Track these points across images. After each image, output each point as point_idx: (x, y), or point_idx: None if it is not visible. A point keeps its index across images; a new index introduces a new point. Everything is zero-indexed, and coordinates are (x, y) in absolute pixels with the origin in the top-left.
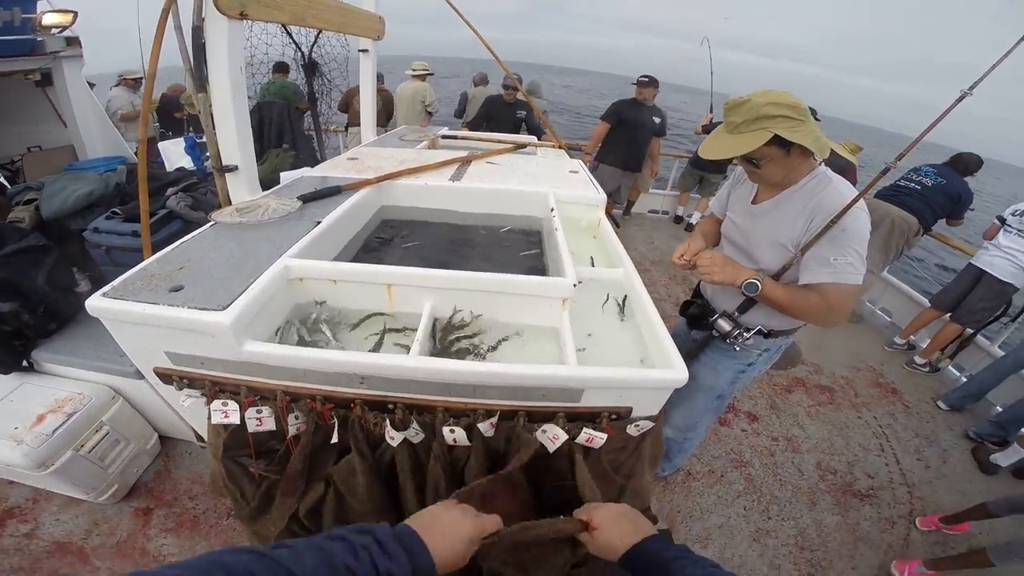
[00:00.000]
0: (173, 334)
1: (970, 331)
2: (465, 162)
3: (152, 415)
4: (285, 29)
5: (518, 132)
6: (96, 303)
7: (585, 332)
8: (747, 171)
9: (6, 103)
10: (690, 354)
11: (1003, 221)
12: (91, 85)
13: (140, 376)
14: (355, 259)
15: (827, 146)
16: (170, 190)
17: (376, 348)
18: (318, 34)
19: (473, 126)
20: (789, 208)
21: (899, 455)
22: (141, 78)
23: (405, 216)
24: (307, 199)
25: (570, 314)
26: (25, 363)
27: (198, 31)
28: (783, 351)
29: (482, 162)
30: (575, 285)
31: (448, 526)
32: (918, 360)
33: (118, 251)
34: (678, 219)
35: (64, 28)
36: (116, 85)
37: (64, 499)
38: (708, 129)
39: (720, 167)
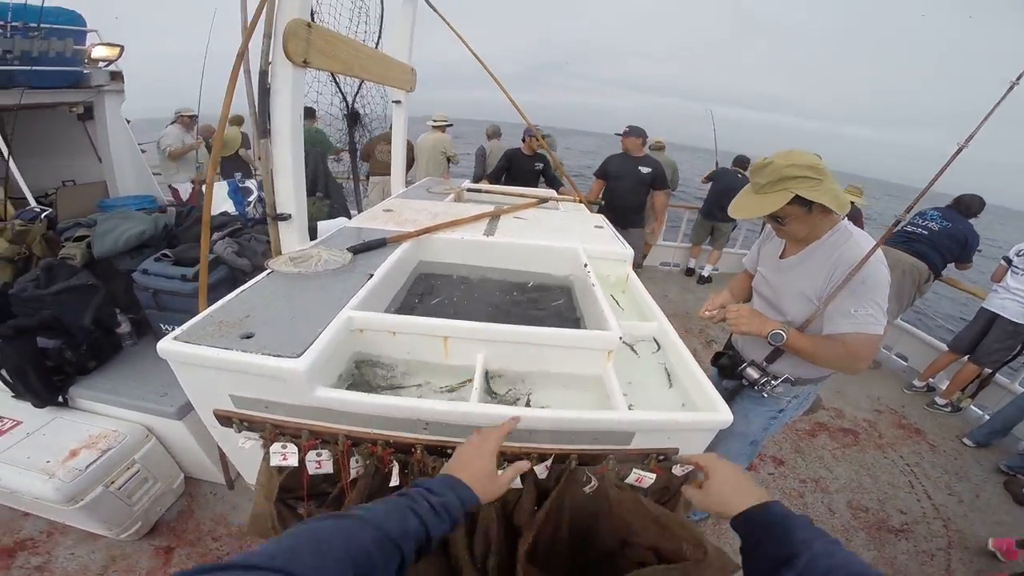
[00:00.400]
0: (242, 378)
1: (988, 371)
2: (495, 216)
3: (181, 455)
4: (334, 78)
5: (536, 184)
6: (168, 346)
7: (626, 381)
8: (773, 228)
9: (47, 134)
10: None
11: (1009, 262)
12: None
13: (178, 417)
14: (402, 310)
15: (847, 202)
16: (215, 235)
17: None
18: (360, 84)
19: (493, 178)
20: (813, 262)
21: (930, 491)
22: (196, 115)
23: (442, 270)
24: (357, 251)
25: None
26: (61, 399)
27: (264, 76)
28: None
29: (510, 216)
30: (621, 339)
31: (469, 454)
32: (939, 401)
33: (165, 294)
34: (690, 271)
35: (110, 62)
36: (172, 123)
37: (81, 533)
38: (711, 178)
39: (730, 217)
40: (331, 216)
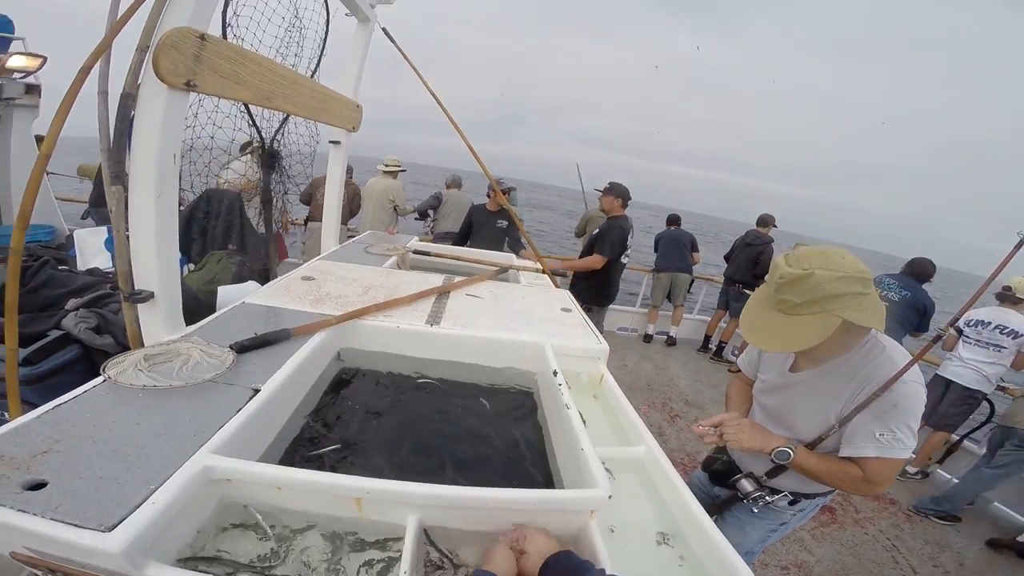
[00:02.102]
0: (33, 539)
1: (956, 438)
2: (442, 293)
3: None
4: (247, 109)
5: (501, 243)
6: None
7: (607, 526)
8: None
9: None
10: (711, 511)
11: (960, 332)
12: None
13: None
14: (306, 433)
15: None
16: (71, 302)
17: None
18: (285, 119)
19: (459, 238)
20: (835, 378)
21: (915, 565)
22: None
23: (371, 364)
24: (244, 348)
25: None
26: None
27: (127, 101)
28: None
29: (462, 293)
30: (610, 497)
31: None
32: (909, 469)
33: None
34: (647, 338)
35: (28, 74)
36: None
37: None
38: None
39: (686, 267)
40: (240, 278)
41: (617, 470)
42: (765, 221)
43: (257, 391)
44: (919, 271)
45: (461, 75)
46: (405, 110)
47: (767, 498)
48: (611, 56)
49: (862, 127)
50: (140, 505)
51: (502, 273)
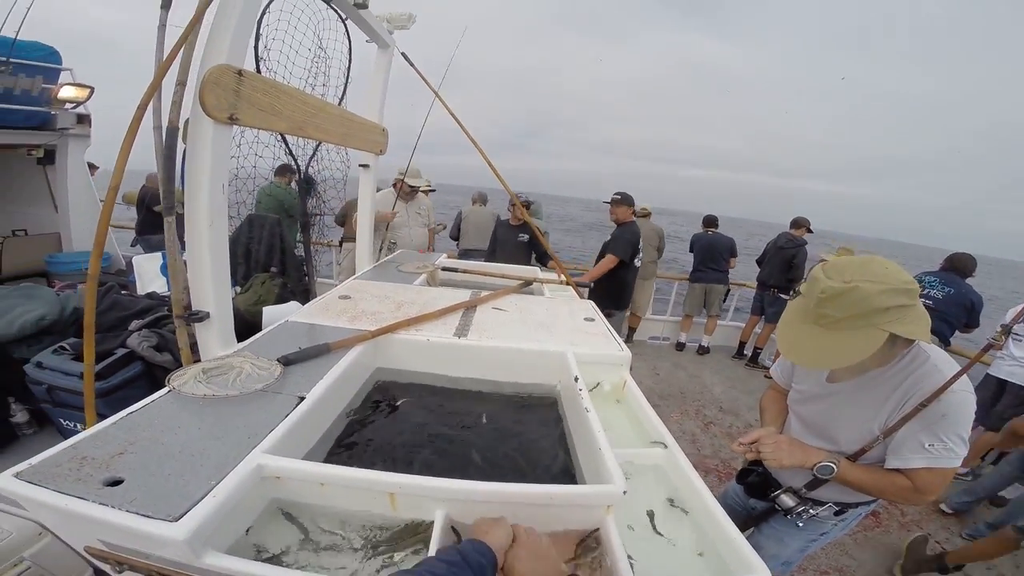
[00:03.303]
0: (110, 531)
1: None
2: (470, 307)
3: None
4: (283, 139)
5: (525, 255)
6: (7, 485)
7: (624, 524)
8: None
9: (1, 178)
10: (747, 523)
11: (1009, 331)
12: (92, 168)
13: None
14: (345, 435)
15: (929, 323)
16: (134, 323)
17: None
18: (317, 147)
19: (488, 254)
20: (877, 390)
21: (968, 570)
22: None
23: (403, 376)
24: (289, 361)
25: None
26: None
27: (173, 135)
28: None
29: (488, 306)
30: (624, 493)
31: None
32: (960, 469)
33: (63, 392)
34: (680, 346)
35: (78, 104)
36: None
37: None
38: (692, 247)
39: (722, 277)
40: (282, 299)
41: (637, 472)
42: (799, 223)
43: (302, 399)
44: (960, 266)
45: (482, 91)
46: (427, 133)
47: (811, 511)
48: (625, 62)
49: (895, 120)
50: (202, 498)
51: (526, 286)
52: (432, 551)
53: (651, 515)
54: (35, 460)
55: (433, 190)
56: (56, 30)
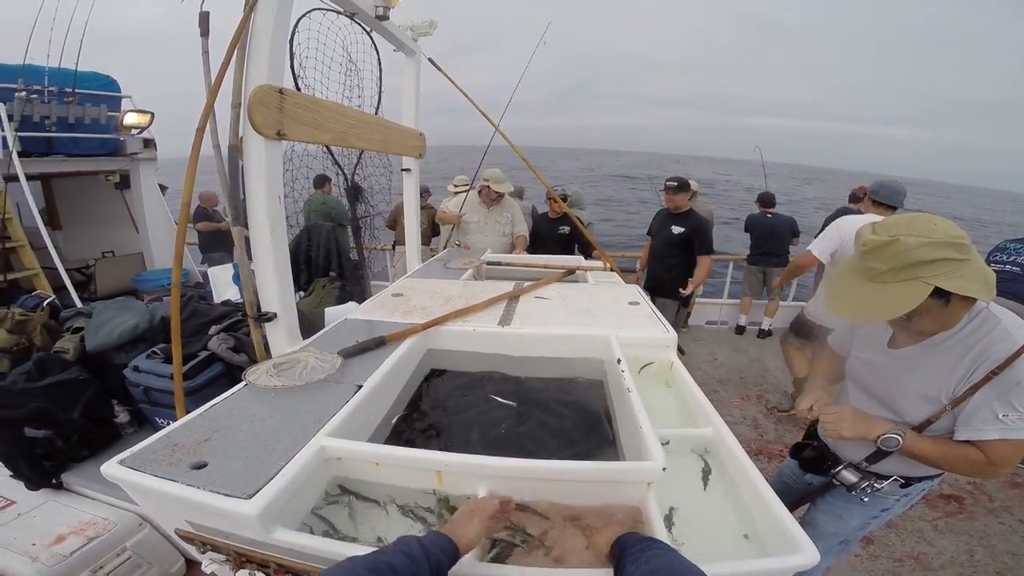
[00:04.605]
0: (194, 510)
1: None
2: (513, 298)
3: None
4: (328, 150)
5: (567, 248)
6: (112, 471)
7: (667, 505)
8: (892, 325)
9: (87, 203)
10: (802, 500)
11: None
12: (163, 189)
13: None
14: (400, 421)
15: (993, 283)
16: (213, 328)
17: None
18: (360, 155)
19: (532, 247)
20: (943, 357)
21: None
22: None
23: (453, 363)
24: (349, 354)
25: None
26: (54, 481)
27: (234, 153)
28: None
29: (531, 296)
30: (664, 469)
31: (461, 515)
32: None
33: (157, 392)
34: (740, 329)
35: (142, 129)
36: None
37: None
38: (748, 229)
39: (783, 260)
40: (342, 300)
41: (682, 450)
42: (857, 196)
43: (360, 386)
44: None
45: (516, 53)
46: (457, 99)
47: (876, 485)
48: (672, 8)
49: (982, 62)
50: (273, 478)
51: (570, 275)
52: None
53: (701, 483)
54: (135, 448)
55: (472, 188)
56: (102, 38)
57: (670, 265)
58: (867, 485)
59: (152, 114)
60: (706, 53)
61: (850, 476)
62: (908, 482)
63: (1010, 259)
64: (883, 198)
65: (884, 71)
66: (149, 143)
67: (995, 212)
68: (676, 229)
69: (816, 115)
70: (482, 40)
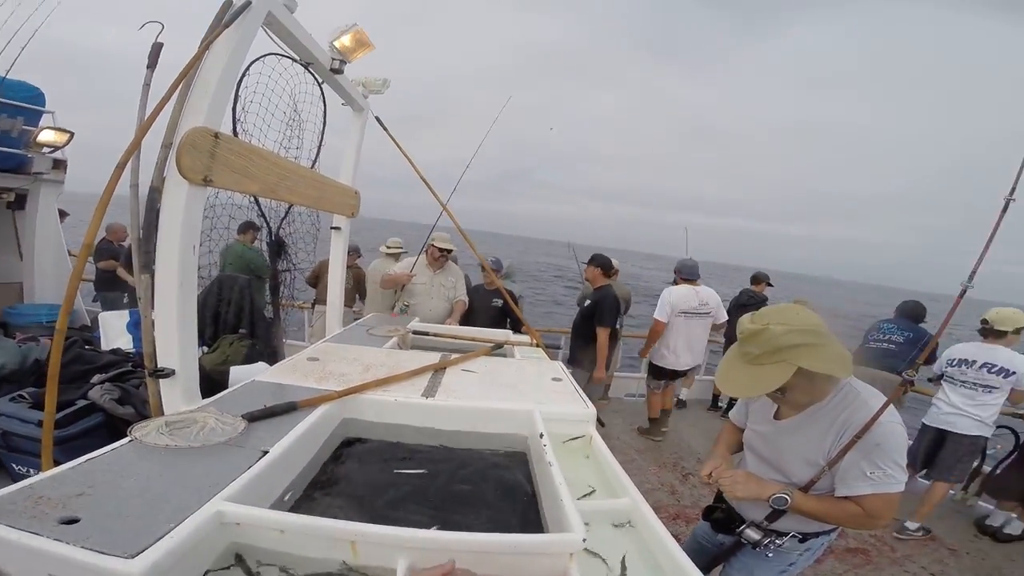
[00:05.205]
0: (62, 566)
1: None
2: (439, 369)
3: None
4: (256, 202)
5: (500, 320)
6: None
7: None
8: (769, 397)
9: None
10: (718, 559)
11: (941, 377)
12: (63, 215)
13: None
14: (309, 489)
15: (849, 362)
16: (96, 377)
17: None
18: (288, 209)
19: (464, 318)
20: (816, 425)
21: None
22: None
23: (371, 433)
24: (254, 418)
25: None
26: None
27: (155, 195)
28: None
29: (458, 369)
30: (584, 540)
31: None
32: (910, 526)
33: (17, 438)
34: None
35: (55, 149)
36: None
37: None
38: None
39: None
40: (250, 359)
41: (602, 521)
42: (758, 279)
43: (266, 452)
44: (911, 312)
45: (460, 132)
46: (406, 174)
47: (777, 541)
48: (606, 104)
49: (856, 156)
50: (161, 538)
51: (497, 348)
52: None
53: (623, 564)
54: None
55: (405, 252)
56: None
57: (584, 335)
58: (769, 541)
59: (71, 134)
60: (641, 146)
61: (753, 534)
62: (805, 537)
63: (884, 337)
64: (685, 274)
65: (777, 167)
66: (59, 164)
67: (879, 307)
68: (587, 302)
69: (727, 212)
70: (434, 116)
